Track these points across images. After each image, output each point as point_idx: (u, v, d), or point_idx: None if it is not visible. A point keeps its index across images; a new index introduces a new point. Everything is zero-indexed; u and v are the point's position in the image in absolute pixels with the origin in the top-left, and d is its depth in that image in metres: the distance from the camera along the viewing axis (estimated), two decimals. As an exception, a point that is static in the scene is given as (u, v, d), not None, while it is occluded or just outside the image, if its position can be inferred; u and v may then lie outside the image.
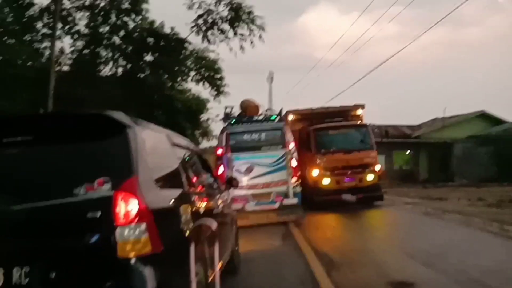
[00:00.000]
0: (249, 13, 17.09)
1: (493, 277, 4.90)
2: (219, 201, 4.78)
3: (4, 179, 2.68)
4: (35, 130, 2.79)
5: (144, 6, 17.22)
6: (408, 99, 71.55)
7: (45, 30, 16.28)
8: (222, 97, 19.15)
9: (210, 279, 3.48)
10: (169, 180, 3.19)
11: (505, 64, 72.95)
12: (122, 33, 17.38)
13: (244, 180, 9.71)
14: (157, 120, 14.72)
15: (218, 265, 3.91)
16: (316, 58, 79.96)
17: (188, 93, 20.64)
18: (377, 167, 13.28)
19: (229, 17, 17.05)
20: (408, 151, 31.17)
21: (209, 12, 17.02)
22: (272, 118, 11.20)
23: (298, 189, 10.28)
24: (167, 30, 17.70)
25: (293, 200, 10.07)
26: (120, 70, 17.97)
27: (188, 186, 3.52)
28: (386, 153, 25.87)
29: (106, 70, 17.80)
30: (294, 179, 10.20)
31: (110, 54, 17.54)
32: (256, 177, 10.04)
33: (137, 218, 2.44)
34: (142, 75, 17.80)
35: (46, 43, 16.14)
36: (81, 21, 16.98)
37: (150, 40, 17.51)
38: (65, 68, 17.48)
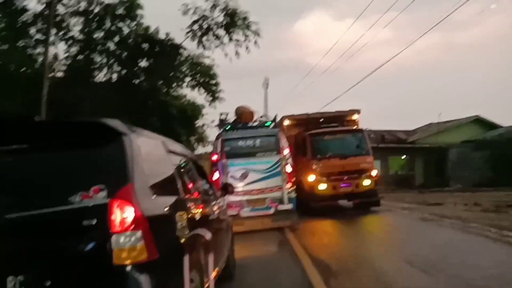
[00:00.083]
0: (244, 18, 17.11)
1: (495, 284, 4.82)
2: (215, 208, 4.76)
3: None
4: (30, 138, 2.79)
5: (139, 11, 17.18)
6: (403, 104, 71.90)
7: (38, 36, 16.18)
8: (217, 102, 19.12)
9: (206, 286, 3.46)
10: (165, 187, 3.19)
11: (499, 69, 73.47)
12: (116, 38, 17.30)
13: (239, 186, 9.72)
14: (152, 126, 14.65)
15: (213, 274, 3.88)
16: (311, 63, 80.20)
17: (183, 99, 20.57)
18: (374, 173, 13.22)
19: (224, 22, 17.05)
20: (404, 156, 31.23)
21: (204, 17, 17.01)
22: (267, 124, 11.22)
23: (293, 194, 10.29)
24: (162, 35, 17.67)
25: (288, 206, 10.10)
26: (114, 76, 17.89)
27: (183, 193, 3.52)
28: (381, 158, 25.89)
29: (101, 76, 17.71)
30: (289, 185, 10.23)
31: (104, 60, 17.45)
32: (251, 183, 10.07)
33: (132, 226, 2.44)
34: (137, 81, 17.72)
35: (40, 49, 16.03)
36: (75, 27, 16.91)
37: (145, 45, 17.43)
38: (59, 74, 17.37)
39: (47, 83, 12.88)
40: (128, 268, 2.41)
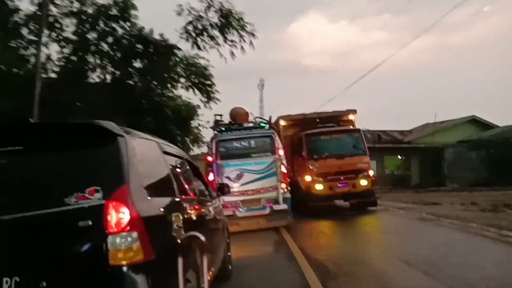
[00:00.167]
0: (239, 19, 16.96)
1: (497, 285, 4.73)
2: (211, 208, 4.77)
3: None
4: (25, 139, 2.80)
5: (133, 12, 16.98)
6: (398, 105, 72.09)
7: (31, 37, 15.96)
8: (213, 103, 18.94)
9: (202, 286, 3.42)
10: (160, 188, 3.21)
11: (495, 69, 73.87)
12: (110, 39, 17.10)
13: (235, 186, 9.80)
14: (147, 127, 14.46)
15: (209, 274, 3.84)
16: (307, 64, 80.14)
17: (178, 99, 20.39)
18: (371, 173, 13.16)
19: (219, 23, 16.90)
20: (400, 156, 31.23)
21: (198, 18, 16.85)
22: (262, 125, 11.28)
23: (288, 194, 10.50)
24: (156, 36, 17.48)
25: (283, 206, 10.27)
26: (108, 77, 17.68)
27: (179, 194, 3.52)
28: (377, 158, 25.86)
29: (94, 77, 17.50)
30: (284, 185, 10.38)
31: (98, 61, 17.25)
32: (246, 183, 10.25)
33: (128, 227, 2.46)
34: (131, 82, 17.53)
35: (33, 50, 15.82)
36: (69, 27, 16.70)
37: (139, 46, 17.25)
38: (53, 75, 17.14)
39: (40, 84, 12.69)
40: (125, 268, 2.42)
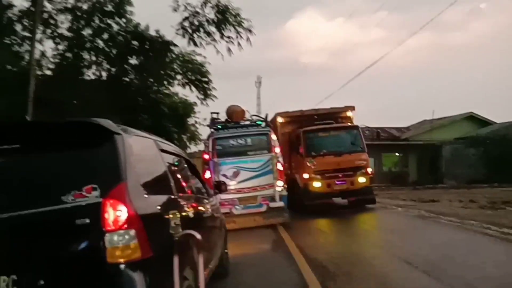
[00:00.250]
0: (236, 15, 16.80)
1: (499, 286, 4.63)
2: (208, 206, 4.78)
3: None
4: (22, 138, 2.81)
5: (128, 8, 16.79)
6: (396, 101, 72.04)
7: (25, 34, 15.75)
8: (210, 100, 18.79)
9: (199, 284, 3.42)
10: (158, 186, 3.22)
11: (492, 66, 73.98)
12: (106, 36, 16.91)
13: (231, 184, 9.76)
14: (143, 124, 14.33)
15: (206, 272, 3.92)
16: (305, 62, 79.84)
17: (174, 96, 20.22)
18: (369, 170, 13.05)
19: (215, 19, 16.73)
20: (397, 153, 31.17)
21: (195, 14, 16.67)
22: (258, 123, 11.28)
23: (284, 192, 10.51)
24: (152, 33, 17.30)
25: (279, 203, 10.34)
26: (104, 73, 17.49)
27: (176, 192, 3.54)
28: (375, 155, 25.76)
29: (90, 74, 17.31)
30: (280, 182, 10.41)
31: (93, 58, 17.06)
32: (242, 181, 10.29)
33: (126, 225, 2.46)
34: (127, 79, 17.36)
35: (27, 47, 15.61)
36: (63, 24, 16.49)
37: (135, 43, 17.07)
38: (47, 72, 16.94)
39: (34, 81, 12.51)
40: (122, 266, 2.42)
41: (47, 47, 16.39)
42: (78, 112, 13.74)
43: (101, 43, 17.05)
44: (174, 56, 17.82)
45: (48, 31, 16.14)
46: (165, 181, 3.43)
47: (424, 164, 29.50)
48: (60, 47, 16.54)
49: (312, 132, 13.23)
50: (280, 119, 14.27)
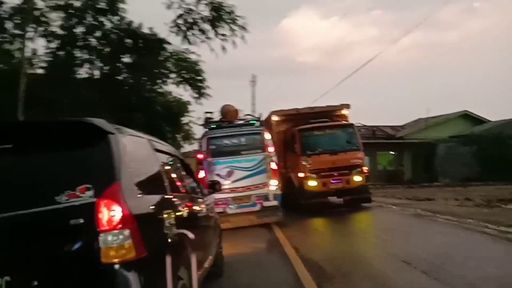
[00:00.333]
0: (230, 13, 16.69)
1: (499, 285, 4.55)
2: (202, 205, 4.77)
3: None
4: (15, 138, 2.78)
5: (121, 6, 16.60)
6: (391, 100, 72.12)
7: (16, 31, 15.52)
8: (204, 99, 18.68)
9: (194, 283, 3.46)
10: (152, 185, 3.21)
11: (487, 65, 74.29)
12: (98, 34, 16.72)
13: (225, 184, 9.72)
14: (137, 123, 14.17)
15: (201, 271, 3.94)
16: (300, 62, 79.72)
17: (168, 95, 20.07)
18: (365, 168, 12.95)
19: (210, 17, 16.60)
20: (392, 152, 31.17)
21: (189, 11, 16.53)
22: (252, 122, 11.25)
23: (278, 191, 10.52)
24: (145, 30, 17.13)
25: (273, 202, 10.38)
26: (97, 72, 17.29)
27: (171, 191, 3.54)
28: (369, 153, 25.71)
29: (82, 73, 17.10)
30: (274, 181, 10.43)
31: (86, 56, 16.85)
32: (236, 180, 10.29)
33: (120, 224, 2.45)
34: (120, 77, 17.18)
35: (18, 45, 15.38)
36: (55, 22, 16.27)
37: (128, 40, 16.89)
38: (39, 70, 16.72)
39: (25, 79, 12.33)
40: (117, 266, 2.41)
41: (39, 45, 16.19)
42: (70, 111, 13.56)
43: (93, 41, 16.89)
44: (168, 54, 17.68)
45: (40, 28, 15.93)
46: (159, 181, 3.43)
47: (419, 162, 29.51)
48: (52, 45, 16.33)
49: (307, 130, 13.12)
50: (275, 118, 14.15)
